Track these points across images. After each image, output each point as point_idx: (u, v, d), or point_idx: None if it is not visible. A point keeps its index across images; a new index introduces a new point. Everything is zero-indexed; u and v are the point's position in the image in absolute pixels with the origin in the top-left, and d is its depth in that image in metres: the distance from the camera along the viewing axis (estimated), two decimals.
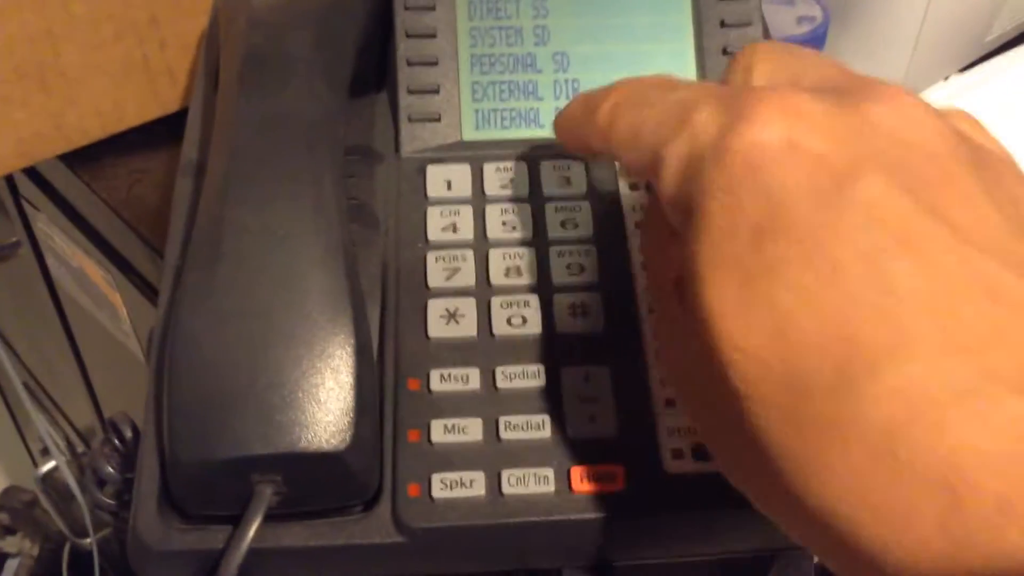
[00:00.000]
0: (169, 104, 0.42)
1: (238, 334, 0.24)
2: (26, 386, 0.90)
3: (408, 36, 0.33)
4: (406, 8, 0.33)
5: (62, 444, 0.88)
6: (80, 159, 0.41)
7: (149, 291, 0.40)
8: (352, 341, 0.24)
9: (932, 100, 0.43)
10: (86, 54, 0.39)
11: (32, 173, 0.46)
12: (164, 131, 0.41)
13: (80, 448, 0.86)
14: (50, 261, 0.53)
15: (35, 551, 0.95)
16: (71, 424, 0.86)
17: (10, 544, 0.96)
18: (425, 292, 0.28)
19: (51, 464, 0.86)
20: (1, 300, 0.76)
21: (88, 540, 0.73)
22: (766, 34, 0.34)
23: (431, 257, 0.29)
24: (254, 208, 0.25)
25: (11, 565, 0.93)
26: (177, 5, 0.40)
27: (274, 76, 0.28)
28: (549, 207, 0.31)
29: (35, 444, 1.06)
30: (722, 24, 0.33)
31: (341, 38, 0.30)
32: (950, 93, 0.44)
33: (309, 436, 0.23)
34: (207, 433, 0.23)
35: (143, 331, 0.44)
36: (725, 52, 0.33)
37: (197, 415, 0.23)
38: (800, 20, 0.43)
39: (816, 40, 0.42)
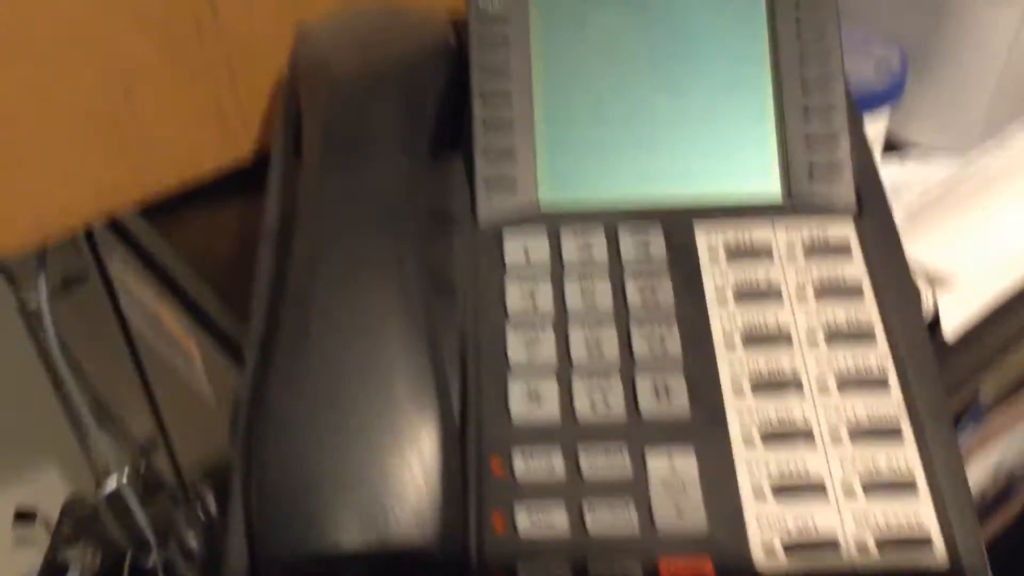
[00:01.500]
0: (243, 149, 0.42)
1: (326, 424, 0.24)
2: (91, 407, 0.92)
3: (483, 99, 0.32)
4: (482, 70, 0.32)
5: (125, 462, 0.90)
6: (156, 210, 0.42)
7: (224, 342, 0.40)
8: (439, 431, 0.24)
9: (1012, 146, 0.42)
10: (160, 102, 0.39)
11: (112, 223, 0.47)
12: (242, 183, 0.41)
13: (141, 466, 0.87)
14: (123, 298, 0.54)
15: (96, 562, 0.96)
16: (133, 442, 0.87)
17: (72, 554, 0.98)
18: (506, 369, 0.28)
19: (113, 483, 0.88)
20: (69, 322, 0.77)
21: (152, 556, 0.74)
22: (848, 93, 0.33)
23: (511, 332, 0.29)
24: (340, 292, 0.25)
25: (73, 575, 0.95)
26: (250, 49, 0.40)
27: (358, 150, 0.28)
28: (629, 278, 0.30)
29: (99, 460, 1.08)
30: (803, 83, 0.33)
31: (421, 105, 0.30)
32: None
33: (398, 530, 0.23)
34: (297, 524, 0.23)
35: (216, 378, 0.44)
36: (806, 111, 0.32)
37: (286, 505, 0.24)
38: (877, 66, 0.42)
39: (896, 87, 0.41)
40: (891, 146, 0.46)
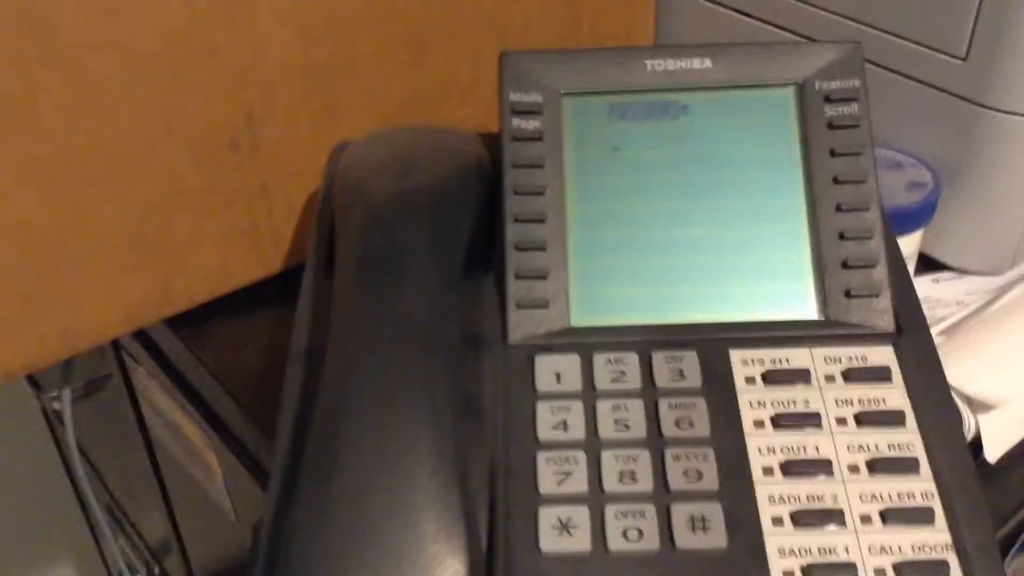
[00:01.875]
0: (274, 265, 0.42)
1: (349, 559, 0.23)
2: (108, 509, 0.91)
3: (516, 221, 0.32)
4: (515, 193, 0.32)
5: (139, 566, 0.89)
6: (182, 321, 0.42)
7: (247, 458, 0.39)
8: (466, 569, 0.23)
9: None
10: (197, 222, 0.39)
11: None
12: (270, 293, 0.41)
13: (156, 571, 0.86)
14: (144, 408, 0.53)
15: None
16: (148, 547, 0.86)
17: None
18: (536, 498, 0.27)
19: None
20: (89, 425, 0.77)
21: None
22: (884, 216, 0.33)
23: (541, 459, 0.28)
24: (369, 420, 0.25)
25: None
26: (287, 171, 0.41)
27: (391, 276, 0.27)
28: (663, 403, 0.30)
29: (113, 566, 1.07)
30: (838, 208, 0.32)
31: (455, 230, 0.30)
32: None
33: None
34: None
35: (237, 493, 0.43)
36: (842, 237, 0.32)
37: None
38: (910, 187, 0.41)
39: (928, 208, 0.41)
40: (925, 264, 0.45)
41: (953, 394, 0.34)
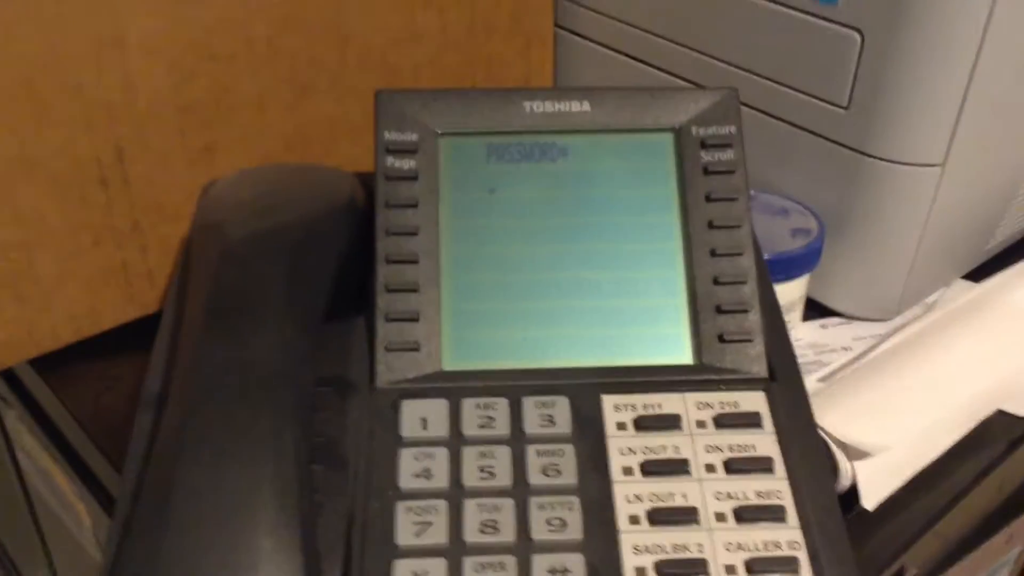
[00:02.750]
0: (148, 306, 0.41)
1: None
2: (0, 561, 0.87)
3: (388, 262, 0.31)
4: (388, 234, 0.32)
5: None
6: (49, 363, 0.40)
7: (112, 506, 0.37)
8: None
9: (941, 313, 0.42)
10: (62, 262, 0.38)
11: (5, 371, 0.45)
12: (138, 333, 0.40)
13: None
14: (19, 454, 0.51)
15: None
16: None
17: None
18: (392, 550, 0.26)
19: None
20: None
21: None
22: (759, 261, 0.33)
23: (400, 508, 0.27)
24: (205, 474, 0.23)
25: None
26: (160, 211, 0.39)
27: (239, 319, 0.26)
28: (530, 450, 0.29)
29: None
30: (712, 253, 0.32)
31: (317, 271, 0.29)
32: (958, 302, 0.43)
33: None
34: None
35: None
36: (716, 281, 0.32)
37: None
38: (795, 233, 0.42)
39: (812, 254, 0.41)
40: (814, 309, 0.46)
41: (829, 441, 0.34)
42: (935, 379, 0.37)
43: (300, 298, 0.28)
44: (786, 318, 0.41)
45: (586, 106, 0.34)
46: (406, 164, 0.33)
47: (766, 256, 0.40)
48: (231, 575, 0.22)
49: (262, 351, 0.26)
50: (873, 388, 0.36)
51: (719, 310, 0.32)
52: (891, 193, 0.41)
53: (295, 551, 0.23)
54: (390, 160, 0.33)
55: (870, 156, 0.41)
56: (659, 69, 0.48)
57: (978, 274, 0.48)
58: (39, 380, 0.40)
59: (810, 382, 0.39)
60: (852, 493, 0.34)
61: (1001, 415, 0.39)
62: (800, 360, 0.33)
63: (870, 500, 0.33)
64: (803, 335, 0.44)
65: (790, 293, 0.42)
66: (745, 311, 0.32)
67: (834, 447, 0.33)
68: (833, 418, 0.34)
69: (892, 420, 0.34)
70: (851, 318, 0.45)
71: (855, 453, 0.33)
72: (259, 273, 0.28)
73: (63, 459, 0.40)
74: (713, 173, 0.33)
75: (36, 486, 0.52)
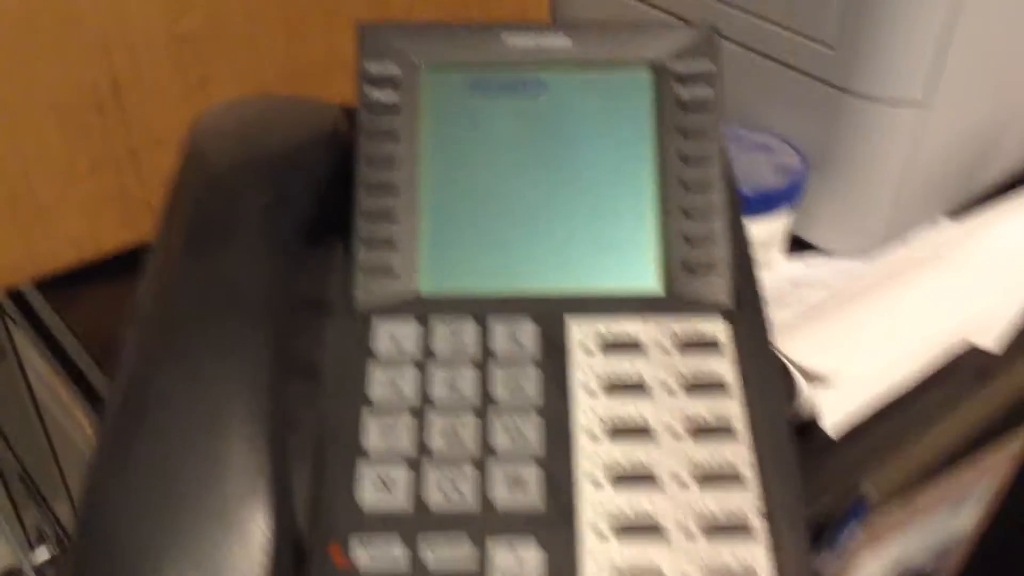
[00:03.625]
0: (146, 233, 0.42)
1: (150, 504, 0.24)
2: (21, 479, 0.91)
3: (368, 190, 0.33)
4: (368, 163, 0.33)
5: (51, 536, 0.88)
6: (54, 284, 0.41)
7: None
8: (269, 522, 0.24)
9: (918, 249, 0.43)
10: (61, 187, 0.39)
11: (12, 292, 0.47)
12: (138, 259, 0.41)
13: (67, 541, 0.86)
14: (30, 374, 0.53)
15: None
16: (57, 518, 0.85)
17: None
18: (359, 455, 0.28)
19: (42, 555, 0.87)
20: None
21: None
22: (732, 195, 0.34)
23: (368, 418, 0.29)
24: (179, 377, 0.25)
25: None
26: (157, 139, 0.41)
27: (216, 237, 0.28)
28: (496, 369, 0.30)
29: (32, 532, 1.06)
30: (684, 186, 0.33)
31: (296, 195, 0.31)
32: (938, 240, 0.44)
33: None
34: None
35: None
36: (687, 214, 0.33)
37: None
38: (778, 169, 0.42)
39: (794, 190, 0.42)
40: (798, 246, 0.46)
41: (793, 369, 0.35)
42: (904, 311, 0.38)
43: (279, 222, 0.29)
44: (768, 254, 0.42)
45: (567, 41, 0.35)
46: (387, 96, 0.34)
47: (748, 192, 0.41)
48: (203, 474, 0.24)
49: (238, 269, 0.27)
50: (841, 319, 0.37)
51: (687, 242, 0.33)
52: (874, 130, 0.42)
53: (264, 451, 0.24)
54: (371, 92, 0.34)
55: (854, 93, 0.41)
56: (652, 5, 0.48)
57: (965, 214, 0.48)
58: (43, 301, 0.42)
59: (786, 316, 0.40)
60: (815, 419, 0.35)
61: (972, 349, 0.40)
62: (780, 295, 0.35)
63: (831, 425, 0.35)
64: (785, 271, 0.45)
65: (771, 228, 0.43)
66: (713, 243, 0.33)
67: (798, 375, 0.35)
68: (798, 346, 0.35)
69: (857, 349, 0.36)
70: (833, 255, 0.46)
71: (817, 380, 0.35)
72: (239, 196, 0.29)
73: (67, 376, 0.42)
74: (689, 109, 0.34)
75: (46, 402, 0.54)
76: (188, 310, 0.26)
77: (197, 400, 0.25)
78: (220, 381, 0.25)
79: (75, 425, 0.46)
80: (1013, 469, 0.49)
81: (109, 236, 0.41)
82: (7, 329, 0.53)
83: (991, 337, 0.41)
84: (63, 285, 0.41)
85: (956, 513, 0.48)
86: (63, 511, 0.80)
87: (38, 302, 0.44)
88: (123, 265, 0.42)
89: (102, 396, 0.41)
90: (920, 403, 0.38)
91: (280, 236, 0.29)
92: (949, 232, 0.44)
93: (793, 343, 0.35)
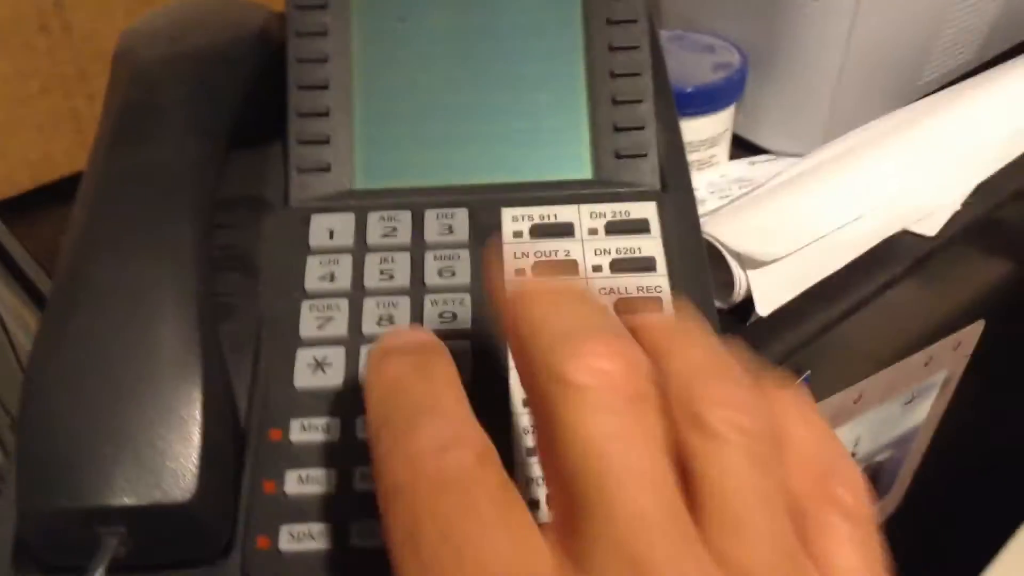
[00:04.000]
0: None
1: (85, 387, 0.24)
2: (11, 428, 0.92)
3: (300, 88, 0.33)
4: (298, 60, 0.33)
5: None
6: (11, 208, 0.42)
7: None
8: (199, 394, 0.25)
9: (858, 139, 0.44)
10: (12, 109, 0.40)
11: None
12: None
13: None
14: (2, 311, 0.54)
15: None
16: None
17: None
18: (296, 341, 0.29)
19: None
20: None
21: None
22: (661, 83, 0.34)
23: (305, 307, 0.30)
24: (108, 260, 0.26)
25: None
26: (105, 59, 0.41)
27: (142, 129, 0.28)
28: (429, 255, 0.31)
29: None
30: (612, 75, 0.34)
31: (223, 92, 0.31)
32: (874, 130, 0.44)
33: (150, 488, 0.24)
34: (51, 484, 0.24)
35: None
36: (615, 101, 0.34)
37: (42, 466, 0.24)
38: (717, 67, 0.43)
39: (733, 85, 0.43)
40: (743, 148, 0.47)
41: (725, 252, 0.36)
42: (838, 196, 0.38)
43: (207, 114, 0.30)
44: (711, 153, 0.43)
45: None
46: None
47: (688, 88, 0.42)
48: (133, 347, 0.25)
49: (163, 157, 0.28)
50: (774, 204, 0.38)
51: (616, 128, 0.33)
52: (810, 24, 0.42)
53: (193, 332, 0.25)
54: None
55: None
56: None
57: None
58: (2, 226, 0.43)
59: (726, 208, 0.41)
60: (749, 302, 0.36)
61: (907, 235, 0.41)
62: (724, 194, 0.35)
63: (764, 307, 0.36)
64: (730, 171, 0.46)
65: (714, 127, 0.44)
66: (641, 128, 0.33)
67: (729, 257, 0.36)
68: (728, 229, 0.36)
69: (789, 232, 0.36)
70: (778, 154, 0.47)
71: (749, 263, 0.35)
72: (166, 89, 0.29)
73: (29, 300, 0.43)
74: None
75: (21, 342, 0.55)
76: (115, 198, 0.27)
77: (128, 287, 0.26)
78: (146, 263, 0.26)
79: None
80: (965, 363, 0.50)
81: (64, 159, 0.42)
82: None
83: (928, 224, 0.41)
84: (20, 209, 0.42)
85: (911, 405, 0.49)
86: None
87: None
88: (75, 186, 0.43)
89: None
90: (854, 286, 0.39)
91: (208, 128, 0.30)
92: (884, 123, 0.44)
93: (723, 227, 0.36)
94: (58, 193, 0.42)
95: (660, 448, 0.19)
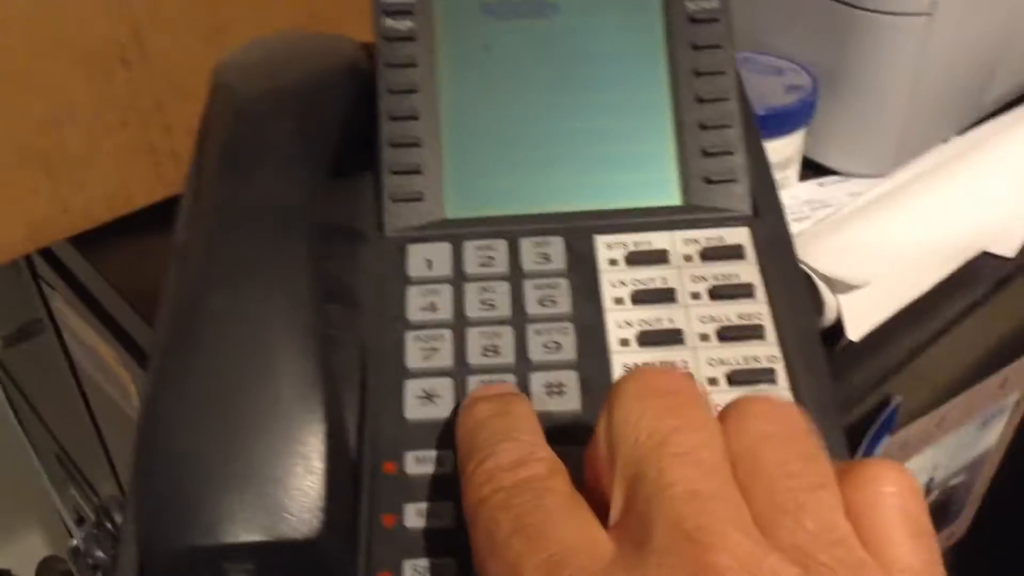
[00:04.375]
0: (176, 185, 0.43)
1: (208, 421, 0.24)
2: (58, 459, 0.92)
3: (391, 119, 0.33)
4: (389, 92, 0.34)
5: (91, 516, 0.90)
6: (88, 240, 0.42)
7: None
8: (323, 427, 0.25)
9: (932, 162, 0.44)
10: (92, 140, 0.40)
11: (47, 253, 0.48)
12: (170, 212, 0.42)
13: (107, 520, 0.87)
14: (68, 340, 0.54)
15: None
16: (98, 496, 0.87)
17: None
18: (403, 373, 0.29)
19: (81, 537, 0.88)
20: (32, 376, 0.77)
21: None
22: (745, 107, 0.35)
23: (409, 337, 0.30)
24: (226, 294, 0.26)
25: None
26: (181, 90, 0.41)
27: (250, 162, 0.29)
28: (527, 284, 0.31)
29: (70, 515, 1.08)
30: (699, 99, 0.34)
31: (322, 123, 0.31)
32: (949, 153, 0.44)
33: (278, 524, 0.24)
34: (177, 521, 0.24)
35: None
36: (703, 127, 0.34)
37: (167, 502, 0.24)
38: (789, 89, 0.43)
39: (805, 108, 0.43)
40: (812, 169, 0.47)
41: (815, 276, 0.36)
42: (920, 219, 0.38)
43: (311, 148, 0.30)
44: (782, 175, 0.43)
45: None
46: (402, 24, 0.34)
47: (760, 111, 0.42)
48: (255, 382, 0.25)
49: (273, 190, 0.28)
50: (859, 227, 0.38)
51: (705, 153, 0.33)
52: (882, 44, 0.42)
53: (313, 365, 0.25)
54: (387, 21, 0.34)
55: (860, 8, 0.42)
56: None
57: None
58: (80, 257, 0.43)
59: (804, 229, 0.41)
60: (838, 327, 0.36)
61: (987, 256, 0.41)
62: (796, 216, 0.35)
63: (855, 331, 0.36)
64: (800, 193, 0.46)
65: (785, 149, 0.44)
66: (731, 153, 0.33)
67: (819, 281, 0.35)
68: (819, 254, 0.36)
69: (876, 256, 0.36)
70: (847, 175, 0.46)
71: (840, 287, 0.35)
72: (271, 123, 0.30)
73: (105, 330, 0.43)
74: (699, 21, 0.34)
75: (87, 372, 0.56)
76: (231, 233, 0.27)
77: (247, 321, 0.26)
78: (264, 294, 0.26)
79: (119, 388, 0.47)
80: None
81: (140, 191, 0.42)
82: (43, 298, 0.55)
83: (1007, 245, 0.41)
84: (97, 240, 0.42)
85: (985, 427, 0.48)
86: (106, 490, 0.82)
87: (73, 259, 0.45)
88: (153, 218, 0.43)
89: (141, 346, 0.42)
90: (939, 308, 0.39)
91: (314, 160, 0.30)
92: (959, 145, 0.44)
93: (811, 251, 0.36)
94: (133, 225, 0.42)
95: (713, 430, 0.21)
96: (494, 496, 0.22)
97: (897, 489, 0.20)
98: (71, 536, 0.91)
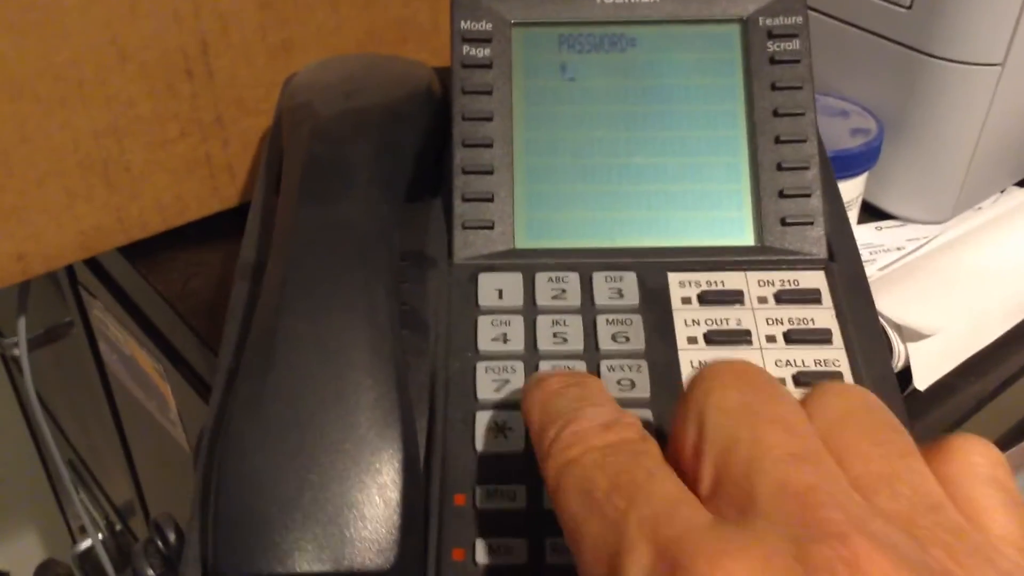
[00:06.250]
0: (228, 199, 0.43)
1: (286, 447, 0.24)
2: (70, 463, 0.91)
3: (464, 145, 0.33)
4: (464, 119, 0.33)
5: (101, 523, 0.89)
6: (137, 251, 0.42)
7: (199, 384, 0.40)
8: (400, 457, 0.24)
9: (994, 213, 0.43)
10: (151, 151, 0.40)
11: (90, 261, 0.47)
12: (221, 226, 0.42)
13: (118, 527, 0.86)
14: (102, 346, 0.54)
15: None
16: (111, 503, 0.86)
17: None
18: (474, 403, 0.28)
19: (87, 543, 0.87)
20: (51, 378, 0.77)
21: None
22: (821, 150, 0.34)
23: (481, 368, 0.29)
24: (308, 319, 0.25)
25: None
26: (241, 105, 0.41)
27: (333, 185, 0.28)
28: (601, 319, 0.30)
29: (75, 520, 1.07)
30: (777, 140, 0.33)
31: (400, 148, 0.31)
32: (1009, 207, 0.44)
33: (352, 554, 0.23)
34: (250, 546, 0.23)
35: (190, 422, 0.44)
36: (780, 167, 0.33)
37: (240, 527, 0.23)
38: (854, 132, 0.43)
39: (871, 152, 0.42)
40: (870, 213, 0.47)
41: (884, 323, 0.35)
42: (987, 270, 0.38)
43: (391, 172, 0.30)
44: None
45: None
46: (481, 52, 0.34)
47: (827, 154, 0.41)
48: (334, 406, 0.24)
49: (356, 215, 0.27)
50: (927, 276, 0.37)
51: (781, 194, 0.33)
52: (951, 93, 0.42)
53: (391, 391, 0.25)
54: (466, 48, 0.34)
55: (930, 56, 0.41)
56: None
57: None
58: (128, 267, 0.43)
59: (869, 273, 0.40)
60: (905, 374, 0.35)
61: None
62: None
63: (922, 381, 0.35)
64: (858, 236, 0.45)
65: (847, 192, 0.43)
66: (808, 195, 0.33)
67: (889, 329, 0.35)
68: (888, 301, 0.35)
69: (945, 305, 0.36)
70: (906, 221, 0.46)
71: (909, 335, 0.35)
72: (350, 146, 0.29)
73: (150, 341, 0.43)
74: (779, 62, 0.34)
75: (117, 375, 0.55)
76: (311, 256, 0.27)
77: (323, 336, 0.25)
78: (344, 320, 0.25)
79: (157, 400, 0.47)
80: None
81: (194, 203, 0.42)
82: (79, 303, 0.54)
83: None
84: (146, 251, 0.42)
85: None
86: (118, 494, 0.81)
87: (121, 268, 0.44)
88: (204, 231, 0.42)
89: (187, 359, 0.41)
90: (1004, 359, 0.38)
91: (392, 185, 0.29)
92: (1017, 195, 0.44)
93: (880, 298, 0.35)
94: (185, 236, 0.42)
95: (798, 404, 0.20)
96: (586, 456, 0.21)
97: (986, 460, 0.20)
98: (74, 541, 0.90)
